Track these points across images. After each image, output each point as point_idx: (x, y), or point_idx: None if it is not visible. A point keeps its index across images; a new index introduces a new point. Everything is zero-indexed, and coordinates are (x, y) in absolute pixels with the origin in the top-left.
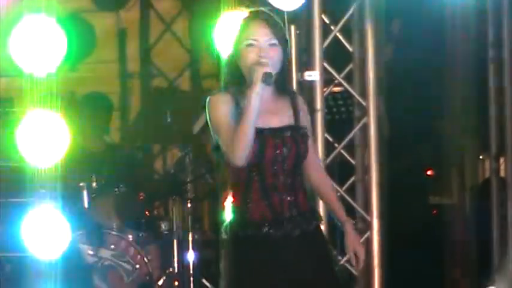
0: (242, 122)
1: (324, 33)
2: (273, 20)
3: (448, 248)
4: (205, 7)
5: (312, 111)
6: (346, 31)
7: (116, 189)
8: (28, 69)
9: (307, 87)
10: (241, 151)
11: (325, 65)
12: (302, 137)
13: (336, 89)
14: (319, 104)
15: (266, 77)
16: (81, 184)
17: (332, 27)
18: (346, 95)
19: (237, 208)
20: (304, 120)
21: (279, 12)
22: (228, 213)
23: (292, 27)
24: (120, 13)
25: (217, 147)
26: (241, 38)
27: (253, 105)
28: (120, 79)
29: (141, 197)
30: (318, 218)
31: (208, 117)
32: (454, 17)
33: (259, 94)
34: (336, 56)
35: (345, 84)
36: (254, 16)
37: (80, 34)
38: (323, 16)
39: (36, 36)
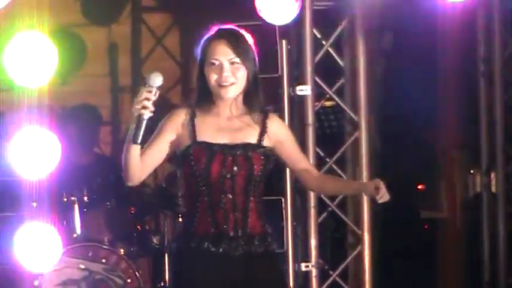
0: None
1: (316, 47)
2: (235, 38)
3: (439, 262)
4: (197, 21)
5: (303, 125)
6: (337, 45)
7: (108, 203)
8: (19, 83)
9: (298, 102)
10: (127, 171)
11: (317, 79)
12: (261, 157)
13: (328, 103)
14: (310, 118)
15: (138, 121)
16: (72, 198)
17: (323, 42)
18: (337, 110)
19: (185, 220)
20: (279, 139)
21: (269, 26)
22: (181, 224)
23: (284, 42)
24: (111, 27)
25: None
26: (206, 57)
27: (126, 146)
28: (111, 93)
29: (132, 211)
30: (269, 244)
31: None
32: (445, 31)
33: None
34: (328, 70)
35: (336, 98)
36: (216, 35)
37: (71, 48)
38: (314, 30)
39: (27, 51)
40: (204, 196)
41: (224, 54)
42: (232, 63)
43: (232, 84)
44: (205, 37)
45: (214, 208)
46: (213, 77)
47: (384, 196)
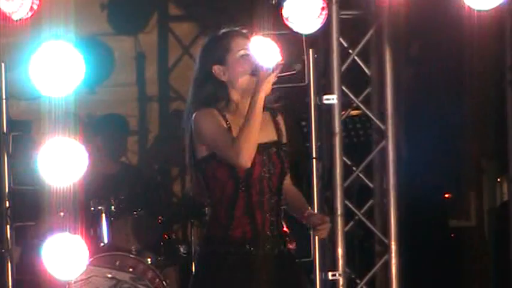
0: (249, 124)
1: (342, 56)
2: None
3: (466, 272)
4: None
5: (331, 134)
6: (364, 54)
7: (135, 213)
8: (46, 92)
9: (325, 111)
10: (248, 152)
11: (344, 88)
12: (285, 154)
13: (354, 112)
14: (337, 127)
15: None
16: (99, 207)
17: (350, 51)
18: (364, 118)
19: (219, 223)
20: (285, 136)
21: (297, 35)
22: (209, 228)
23: (311, 51)
24: (138, 36)
25: (200, 161)
26: (231, 50)
27: (260, 103)
28: (138, 102)
29: (160, 220)
30: (290, 240)
31: (197, 131)
32: (473, 39)
33: (266, 92)
34: (354, 79)
35: (363, 107)
36: (237, 31)
37: (98, 57)
38: (341, 39)
39: (54, 60)
40: (242, 198)
41: (250, 47)
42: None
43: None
44: (219, 36)
45: (254, 210)
46: (245, 68)
47: (322, 233)
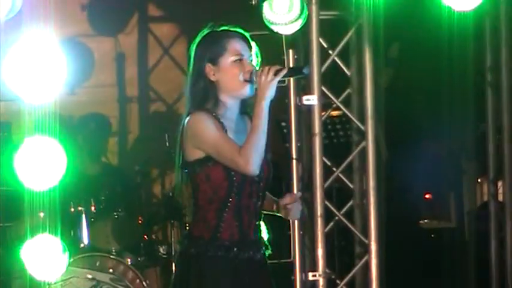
0: (257, 131)
1: (322, 57)
2: (248, 38)
3: (446, 272)
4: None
5: (310, 135)
6: (344, 55)
7: (115, 213)
8: (26, 93)
9: (305, 111)
10: (257, 159)
11: (324, 89)
12: (270, 160)
13: (334, 113)
14: (317, 128)
15: (298, 67)
16: (79, 208)
17: (330, 52)
18: (344, 119)
19: (207, 224)
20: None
21: (276, 36)
22: (195, 228)
23: (290, 52)
24: (118, 37)
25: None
26: (226, 53)
27: (266, 111)
28: (118, 103)
29: (140, 221)
30: (266, 246)
31: (193, 134)
32: (452, 40)
33: (270, 99)
34: (334, 80)
35: (343, 108)
36: (235, 33)
37: (78, 58)
38: (321, 40)
39: (35, 61)
40: (234, 201)
41: (246, 51)
42: (251, 60)
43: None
44: (217, 34)
45: (242, 213)
46: (238, 73)
47: (293, 213)
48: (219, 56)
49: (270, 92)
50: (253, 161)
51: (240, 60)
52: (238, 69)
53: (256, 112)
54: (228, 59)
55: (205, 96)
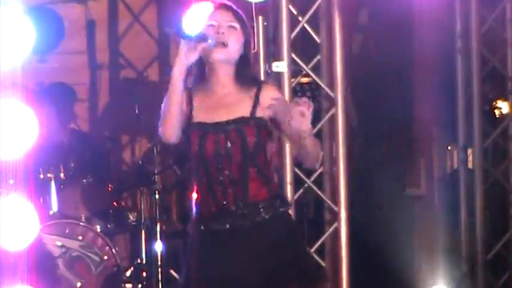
0: (165, 99)
1: (292, 24)
2: (235, 8)
3: (416, 239)
4: None
5: None
6: (314, 22)
7: (84, 180)
8: None
9: (275, 78)
10: (166, 127)
11: (293, 56)
12: (254, 129)
13: (304, 79)
14: (287, 94)
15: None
16: (49, 175)
17: (300, 18)
18: (314, 86)
19: (192, 201)
20: (266, 110)
21: (246, 3)
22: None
23: (260, 18)
24: (88, 4)
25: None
26: (205, 24)
27: (173, 78)
28: (89, 70)
29: (110, 188)
30: (276, 207)
31: None
32: (422, 7)
33: (179, 65)
34: (304, 47)
35: (312, 75)
36: (217, 5)
37: (48, 25)
38: (291, 7)
39: (3, 27)
40: (203, 176)
41: (223, 16)
42: (230, 26)
43: (228, 44)
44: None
45: (213, 186)
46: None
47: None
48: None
49: (180, 57)
50: (163, 130)
51: (212, 25)
52: (208, 32)
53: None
54: (205, 26)
55: (197, 76)
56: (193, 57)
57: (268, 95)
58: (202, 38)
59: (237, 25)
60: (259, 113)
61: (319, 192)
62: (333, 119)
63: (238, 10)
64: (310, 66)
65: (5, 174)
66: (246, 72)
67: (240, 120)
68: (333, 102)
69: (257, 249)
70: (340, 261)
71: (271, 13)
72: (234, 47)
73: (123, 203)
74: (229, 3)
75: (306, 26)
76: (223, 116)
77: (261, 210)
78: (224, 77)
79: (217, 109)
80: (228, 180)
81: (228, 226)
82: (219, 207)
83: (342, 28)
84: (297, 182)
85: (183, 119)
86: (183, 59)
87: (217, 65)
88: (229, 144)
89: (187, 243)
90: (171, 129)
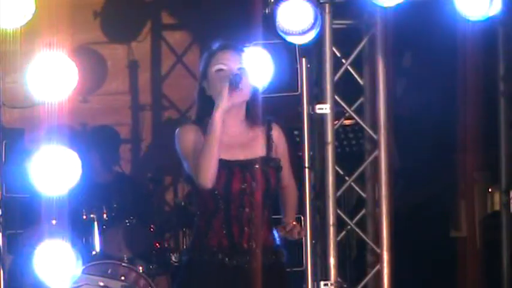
0: (206, 142)
1: (335, 66)
2: (241, 48)
3: (459, 282)
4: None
5: (323, 144)
6: (357, 64)
7: (127, 221)
8: (40, 101)
9: (318, 120)
10: (206, 171)
11: (336, 97)
12: (273, 170)
13: (347, 122)
14: (330, 136)
15: (234, 78)
16: (91, 216)
17: (343, 60)
18: (357, 128)
19: (198, 233)
20: (279, 151)
21: (290, 44)
22: (192, 237)
23: (304, 60)
24: (131, 45)
25: (188, 177)
26: (211, 65)
27: (216, 121)
28: (131, 110)
29: (152, 229)
30: (279, 255)
31: (177, 147)
32: (466, 50)
33: (223, 109)
34: (347, 89)
35: (355, 117)
36: (222, 45)
37: (91, 66)
38: (334, 49)
39: (48, 69)
40: (222, 211)
41: (233, 60)
42: (239, 68)
43: (242, 88)
44: (208, 50)
45: (231, 222)
46: (221, 84)
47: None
48: (206, 69)
49: (225, 103)
50: (202, 173)
51: (221, 70)
52: (222, 78)
53: (209, 123)
54: (212, 70)
55: (205, 114)
56: (236, 99)
57: (278, 136)
58: (239, 81)
59: (245, 66)
60: (274, 154)
61: (361, 234)
62: (375, 161)
63: (242, 48)
64: (353, 108)
65: (48, 215)
66: (257, 110)
67: (262, 161)
68: (375, 145)
69: None
70: None
71: (315, 55)
72: (247, 90)
73: (165, 244)
74: (233, 43)
75: (350, 68)
76: (239, 155)
77: (268, 255)
78: (236, 116)
79: (233, 147)
80: (246, 219)
81: (235, 262)
82: (231, 242)
83: (385, 70)
84: (340, 224)
85: None
86: (226, 102)
87: (231, 106)
88: (254, 184)
89: (183, 273)
90: (213, 172)
